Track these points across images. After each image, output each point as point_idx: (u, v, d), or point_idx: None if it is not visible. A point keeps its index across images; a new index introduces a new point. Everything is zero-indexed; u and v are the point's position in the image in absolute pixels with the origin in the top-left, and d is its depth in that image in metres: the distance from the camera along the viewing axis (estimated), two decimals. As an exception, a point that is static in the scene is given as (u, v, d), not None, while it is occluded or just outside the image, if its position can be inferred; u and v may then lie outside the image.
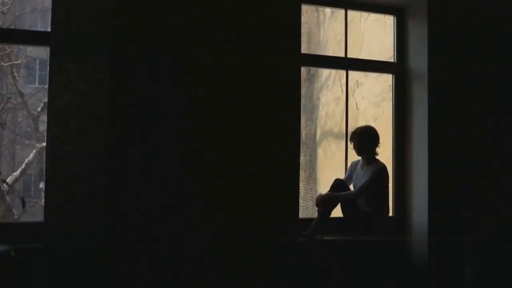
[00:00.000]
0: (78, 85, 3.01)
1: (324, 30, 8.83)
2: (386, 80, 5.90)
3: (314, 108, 9.45)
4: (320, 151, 8.96)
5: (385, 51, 5.43)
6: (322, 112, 8.97)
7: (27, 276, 2.54)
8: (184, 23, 3.27)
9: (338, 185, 3.78)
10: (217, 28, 3.35)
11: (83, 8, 3.04)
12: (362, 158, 3.85)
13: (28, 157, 10.25)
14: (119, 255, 3.06)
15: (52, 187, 2.99)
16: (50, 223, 2.95)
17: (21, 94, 10.53)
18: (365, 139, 3.80)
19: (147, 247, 3.12)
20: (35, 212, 10.58)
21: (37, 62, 13.96)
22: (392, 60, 4.22)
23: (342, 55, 4.20)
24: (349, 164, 4.05)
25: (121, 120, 3.11)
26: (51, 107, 3.01)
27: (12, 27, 10.00)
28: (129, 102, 3.13)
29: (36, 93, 11.33)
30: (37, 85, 13.60)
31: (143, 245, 3.11)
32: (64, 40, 3.00)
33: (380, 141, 3.86)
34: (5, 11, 9.93)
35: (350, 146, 3.94)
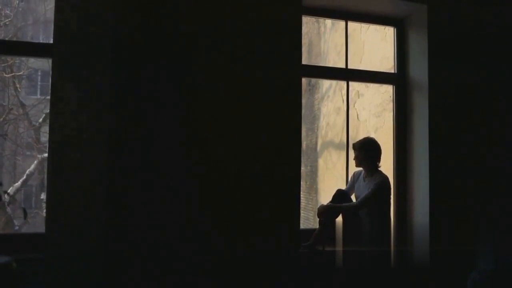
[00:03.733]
0: (80, 97, 3.03)
1: (324, 41, 8.88)
2: (387, 91, 5.93)
3: (315, 119, 9.47)
4: (321, 162, 8.97)
5: (386, 61, 5.46)
6: (323, 122, 8.98)
7: (28, 287, 2.53)
8: (186, 34, 3.30)
9: (340, 195, 3.77)
10: (219, 39, 3.37)
11: (85, 20, 3.07)
12: (364, 169, 3.86)
13: (29, 168, 10.27)
14: (120, 265, 3.05)
15: (53, 198, 2.99)
16: (51, 234, 2.95)
17: (23, 105, 10.57)
18: (366, 152, 3.80)
19: (148, 258, 3.11)
20: (36, 223, 10.57)
21: (39, 73, 14.04)
22: (392, 71, 4.24)
23: (343, 65, 4.21)
24: (350, 174, 4.05)
25: (123, 131, 3.12)
26: (53, 119, 3.02)
27: (14, 38, 10.07)
28: (130, 112, 3.15)
29: (37, 104, 11.37)
30: (38, 96, 13.66)
31: (144, 256, 3.10)
32: (66, 52, 3.03)
33: (382, 153, 3.85)
34: (7, 22, 10.00)
35: (351, 156, 3.94)
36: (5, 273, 1.90)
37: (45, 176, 10.49)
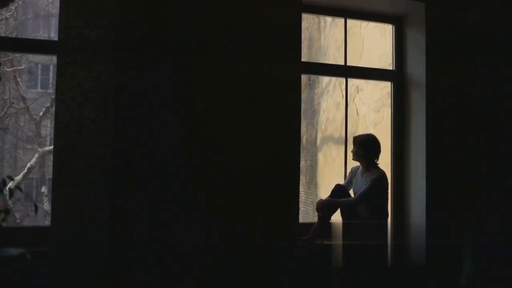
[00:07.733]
0: (84, 93, 3.07)
1: (325, 36, 8.91)
2: (386, 86, 5.97)
3: (314, 113, 9.51)
4: (320, 156, 9.02)
5: (386, 57, 5.49)
6: (322, 117, 9.02)
7: (38, 280, 2.60)
8: (187, 32, 3.33)
9: (339, 190, 3.81)
10: (219, 37, 3.41)
11: (89, 18, 3.11)
12: (362, 165, 3.90)
13: (30, 161, 10.31)
14: (124, 259, 3.11)
15: (59, 193, 3.05)
16: (57, 228, 3.00)
17: (24, 99, 10.60)
18: (365, 149, 3.82)
19: (151, 251, 3.17)
20: (37, 216, 10.62)
21: (39, 67, 14.06)
22: (391, 67, 4.28)
23: (343, 61, 4.25)
24: (348, 169, 4.09)
25: (126, 126, 3.18)
26: (58, 114, 3.07)
27: (15, 33, 10.09)
28: (133, 109, 3.19)
29: (38, 98, 11.41)
30: (39, 89, 13.68)
31: (147, 249, 3.16)
32: (70, 50, 3.07)
33: (381, 150, 3.87)
34: (8, 16, 10.01)
35: (350, 151, 3.98)
36: (20, 264, 1.97)
37: (46, 169, 10.57)
